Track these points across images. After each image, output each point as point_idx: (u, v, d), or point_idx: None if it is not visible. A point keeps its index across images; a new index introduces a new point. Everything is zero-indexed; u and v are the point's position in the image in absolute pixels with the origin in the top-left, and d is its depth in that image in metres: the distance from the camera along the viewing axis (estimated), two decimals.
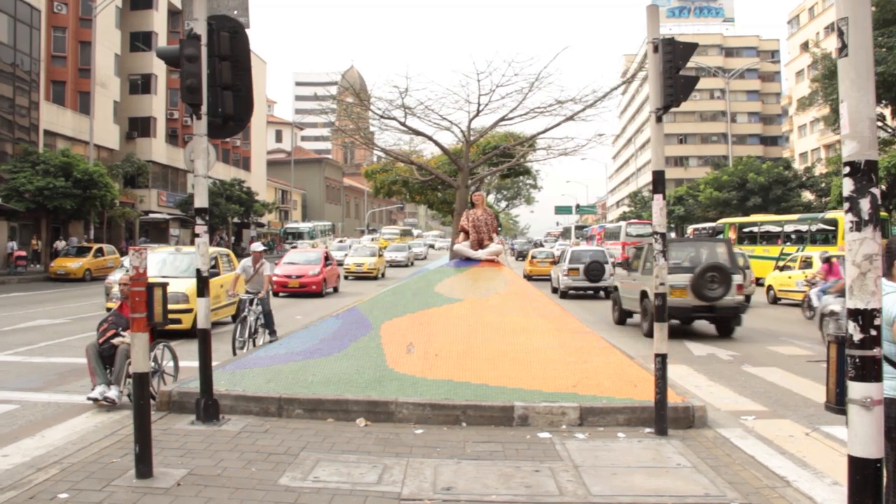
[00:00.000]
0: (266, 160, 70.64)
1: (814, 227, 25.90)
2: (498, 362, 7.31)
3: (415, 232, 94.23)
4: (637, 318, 14.44)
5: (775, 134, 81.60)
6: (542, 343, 7.77)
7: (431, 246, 63.00)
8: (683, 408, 6.39)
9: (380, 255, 32.99)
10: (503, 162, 22.28)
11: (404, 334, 7.91)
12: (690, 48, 5.74)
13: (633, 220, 54.37)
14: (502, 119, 16.76)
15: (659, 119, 5.93)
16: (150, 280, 5.03)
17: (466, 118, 16.78)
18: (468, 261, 10.06)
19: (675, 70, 5.67)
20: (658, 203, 6.05)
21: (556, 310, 8.83)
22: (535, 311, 8.67)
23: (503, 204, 74.76)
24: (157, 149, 46.93)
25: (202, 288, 6.32)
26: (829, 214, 26.35)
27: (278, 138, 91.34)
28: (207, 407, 6.30)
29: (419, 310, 8.51)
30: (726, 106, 63.32)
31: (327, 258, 24.35)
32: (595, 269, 20.02)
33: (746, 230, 29.70)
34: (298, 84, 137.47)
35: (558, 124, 16.16)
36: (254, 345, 10.83)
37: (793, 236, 26.82)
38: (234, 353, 10.12)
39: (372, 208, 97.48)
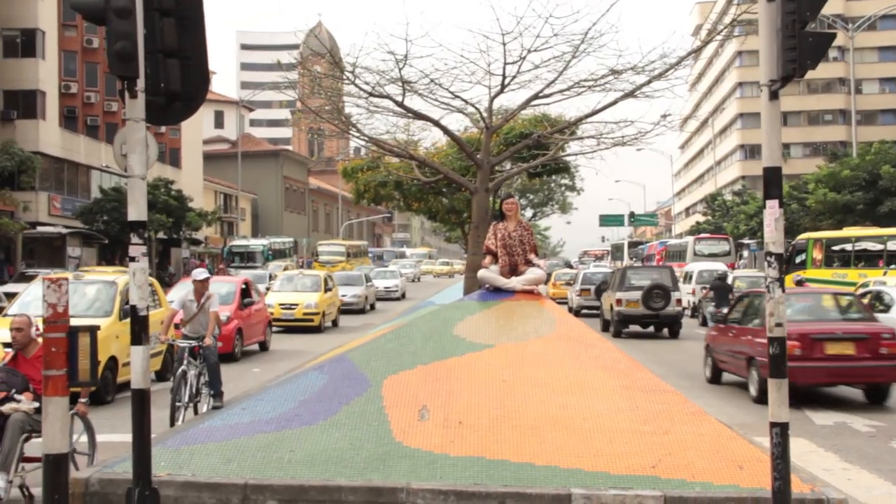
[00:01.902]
0: (202, 153, 71.13)
1: None
2: (545, 432, 7.32)
3: (408, 252, 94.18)
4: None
5: None
6: (606, 406, 7.79)
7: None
8: (814, 501, 6.36)
9: (326, 289, 27.58)
10: (534, 156, 22.41)
11: (415, 394, 7.93)
12: None
13: (703, 235, 54.82)
14: (536, 96, 16.88)
15: (774, 95, 5.96)
16: (74, 323, 5.06)
17: (486, 96, 16.91)
18: (497, 292, 10.09)
19: (801, 25, 5.70)
20: (773, 212, 6.08)
21: (623, 360, 8.85)
22: (593, 361, 8.69)
23: (528, 212, 75.13)
24: (48, 135, 47.06)
25: (138, 332, 6.33)
26: None
27: (219, 122, 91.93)
28: (144, 499, 6.26)
29: (434, 360, 8.54)
30: (848, 71, 62.76)
31: (246, 293, 20.43)
32: (604, 290, 28.03)
33: (836, 248, 30.93)
34: (245, 48, 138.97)
35: (614, 102, 16.28)
36: (195, 411, 10.89)
37: None
38: (172, 424, 10.15)
39: (349, 219, 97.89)
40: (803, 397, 12.75)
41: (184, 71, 6.63)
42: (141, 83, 6.40)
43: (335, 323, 28.26)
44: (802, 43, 5.78)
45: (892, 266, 26.91)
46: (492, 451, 7.02)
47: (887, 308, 16.87)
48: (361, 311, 33.56)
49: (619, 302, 24.86)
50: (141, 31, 6.34)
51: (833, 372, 12.84)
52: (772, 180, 6.14)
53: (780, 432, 6.05)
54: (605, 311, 26.81)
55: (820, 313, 14.00)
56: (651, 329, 25.60)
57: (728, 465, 6.87)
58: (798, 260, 31.51)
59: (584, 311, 31.68)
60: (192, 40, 6.68)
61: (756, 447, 7.32)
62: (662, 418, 7.61)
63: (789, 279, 29.08)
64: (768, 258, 6.15)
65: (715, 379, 15.76)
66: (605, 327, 26.57)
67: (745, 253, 57.13)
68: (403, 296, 43.32)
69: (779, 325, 6.18)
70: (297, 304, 25.68)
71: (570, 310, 32.09)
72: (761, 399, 12.19)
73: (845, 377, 13.21)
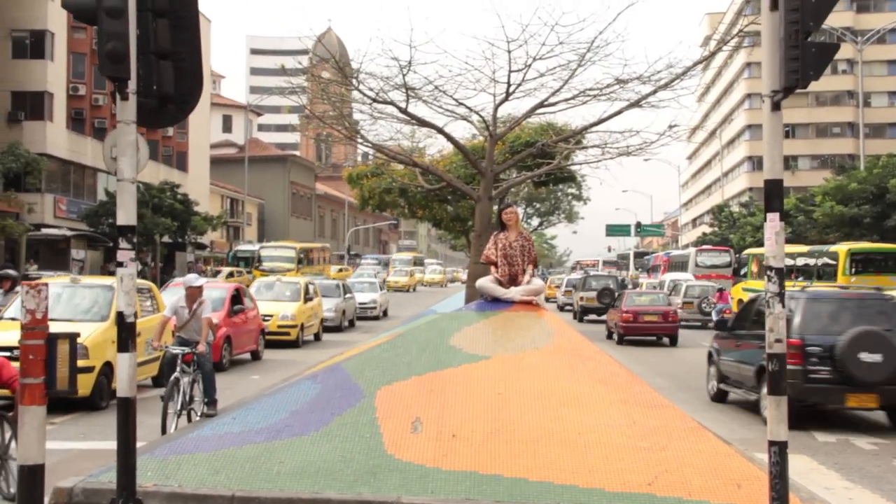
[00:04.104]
0: (209, 157, 71.19)
1: (820, 262, 32.65)
2: (540, 447, 7.20)
3: (394, 257, 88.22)
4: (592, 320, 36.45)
5: None
6: (603, 420, 7.66)
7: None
8: None
9: (307, 299, 25.20)
10: (539, 164, 22.30)
11: (408, 405, 7.81)
12: (828, 2, 5.65)
13: (704, 247, 54.95)
14: (541, 105, 16.79)
15: (776, 106, 5.84)
16: (53, 329, 4.95)
17: (491, 104, 16.82)
18: (496, 302, 9.98)
19: (805, 35, 5.58)
20: (773, 225, 5.95)
21: (621, 373, 8.71)
22: (590, 374, 8.55)
23: (535, 221, 75.17)
24: (55, 137, 47.10)
25: (126, 338, 6.22)
26: (833, 247, 32.43)
27: (227, 126, 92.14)
28: None
29: (429, 371, 8.42)
30: (857, 84, 62.57)
31: (237, 300, 19.55)
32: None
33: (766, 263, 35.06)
34: (254, 52, 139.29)
35: (619, 112, 16.18)
36: (188, 419, 10.78)
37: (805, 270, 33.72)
38: (164, 431, 10.03)
39: (355, 225, 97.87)
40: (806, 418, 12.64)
41: (177, 73, 6.55)
42: (132, 85, 6.31)
43: (317, 337, 25.93)
44: (805, 53, 5.66)
45: (799, 278, 32.10)
46: (485, 466, 6.90)
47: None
48: (338, 329, 29.05)
49: (581, 298, 37.15)
50: (133, 31, 6.27)
51: (647, 329, 27.02)
52: (773, 192, 6.01)
53: (779, 451, 5.92)
54: (575, 304, 38.83)
55: (647, 302, 27.89)
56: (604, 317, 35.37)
57: (726, 484, 6.73)
58: (742, 272, 37.77)
59: (567, 306, 41.92)
60: (186, 42, 6.60)
61: (755, 465, 7.18)
62: (660, 434, 7.47)
63: (737, 290, 36.17)
64: (768, 272, 6.02)
65: (609, 337, 28.41)
66: (574, 316, 38.24)
67: None
68: (385, 313, 37.25)
69: (778, 340, 6.04)
70: (271, 316, 22.93)
71: (557, 305, 43.48)
72: (620, 342, 26.87)
73: (653, 331, 27.25)
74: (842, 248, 31.56)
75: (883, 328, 11.74)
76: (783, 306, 6.04)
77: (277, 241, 59.20)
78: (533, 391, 8.07)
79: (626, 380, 8.56)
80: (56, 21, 46.88)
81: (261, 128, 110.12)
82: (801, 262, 33.64)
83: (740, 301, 32.70)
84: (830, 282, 29.06)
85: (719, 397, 15.00)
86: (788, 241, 50.18)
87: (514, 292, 9.85)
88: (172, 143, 61.66)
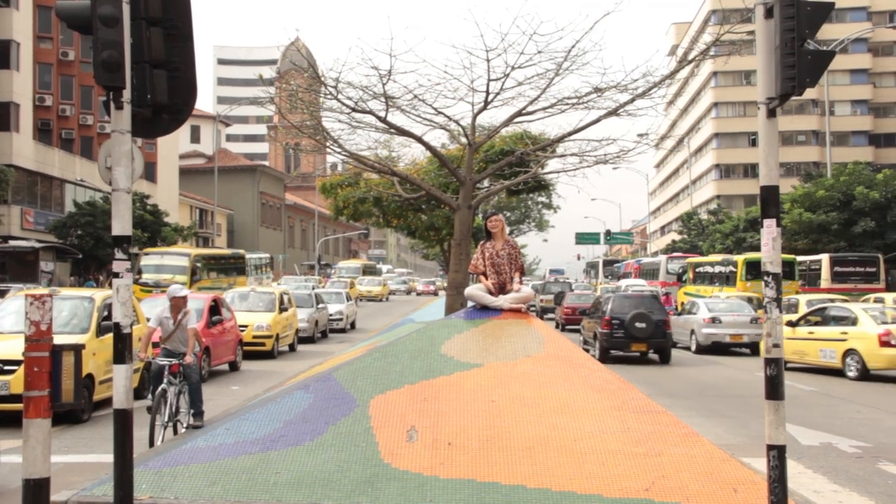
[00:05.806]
0: (178, 167, 70.73)
1: (727, 269, 38.03)
2: (537, 454, 7.21)
3: (341, 266, 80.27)
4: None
5: (892, 131, 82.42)
6: (598, 426, 7.68)
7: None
8: None
9: (282, 309, 24.88)
10: (515, 173, 22.32)
11: (403, 414, 7.79)
12: (824, 10, 5.75)
13: (674, 254, 55.57)
14: (519, 113, 16.80)
15: (772, 113, 5.91)
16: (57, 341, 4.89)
17: (469, 112, 16.80)
18: (485, 310, 9.99)
19: (801, 42, 5.68)
20: (770, 231, 6.02)
21: (613, 380, 8.74)
22: (583, 381, 8.58)
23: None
24: (21, 148, 46.59)
25: (122, 350, 6.16)
26: (735, 257, 37.97)
27: (195, 137, 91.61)
28: None
29: (421, 379, 8.41)
30: (821, 92, 63.33)
31: (215, 310, 19.37)
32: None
33: (699, 270, 41.77)
34: (221, 62, 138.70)
35: (598, 119, 16.22)
36: (175, 431, 10.67)
37: (719, 276, 39.23)
38: (152, 444, 9.94)
39: (325, 235, 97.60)
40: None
41: (171, 82, 6.53)
42: (127, 94, 6.27)
43: (292, 347, 25.53)
44: (801, 60, 5.74)
45: (716, 283, 38.47)
46: (482, 473, 6.90)
47: (694, 311, 27.83)
48: (310, 340, 28.38)
49: (541, 300, 43.20)
50: (128, 40, 6.23)
51: (578, 320, 30.41)
52: (769, 199, 6.08)
53: (778, 455, 5.98)
54: (537, 305, 43.15)
55: (581, 300, 34.58)
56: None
57: (722, 488, 6.77)
58: (684, 278, 43.33)
59: (531, 308, 42.19)
60: (180, 51, 6.59)
61: (750, 469, 7.24)
62: (654, 440, 7.50)
63: (680, 294, 41.94)
64: (766, 278, 6.08)
65: (556, 328, 32.60)
66: (536, 314, 39.83)
67: None
68: (353, 325, 35.72)
69: (776, 346, 6.11)
70: (246, 326, 22.48)
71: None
72: (562, 331, 31.88)
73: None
74: (740, 258, 37.84)
75: (648, 310, 22.89)
76: (780, 311, 6.11)
77: (168, 248, 48.09)
78: (527, 399, 8.08)
79: (619, 386, 8.59)
80: (21, 31, 46.44)
81: (229, 138, 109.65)
82: (717, 269, 39.81)
83: (682, 304, 38.02)
84: (732, 287, 36.18)
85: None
86: (756, 248, 50.78)
87: (503, 300, 9.88)
88: (142, 154, 61.12)
